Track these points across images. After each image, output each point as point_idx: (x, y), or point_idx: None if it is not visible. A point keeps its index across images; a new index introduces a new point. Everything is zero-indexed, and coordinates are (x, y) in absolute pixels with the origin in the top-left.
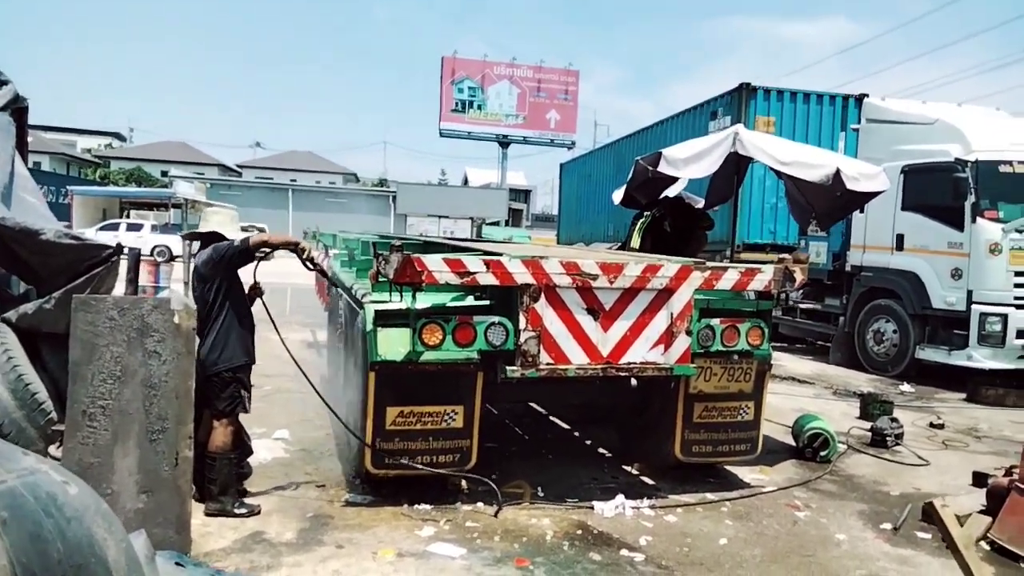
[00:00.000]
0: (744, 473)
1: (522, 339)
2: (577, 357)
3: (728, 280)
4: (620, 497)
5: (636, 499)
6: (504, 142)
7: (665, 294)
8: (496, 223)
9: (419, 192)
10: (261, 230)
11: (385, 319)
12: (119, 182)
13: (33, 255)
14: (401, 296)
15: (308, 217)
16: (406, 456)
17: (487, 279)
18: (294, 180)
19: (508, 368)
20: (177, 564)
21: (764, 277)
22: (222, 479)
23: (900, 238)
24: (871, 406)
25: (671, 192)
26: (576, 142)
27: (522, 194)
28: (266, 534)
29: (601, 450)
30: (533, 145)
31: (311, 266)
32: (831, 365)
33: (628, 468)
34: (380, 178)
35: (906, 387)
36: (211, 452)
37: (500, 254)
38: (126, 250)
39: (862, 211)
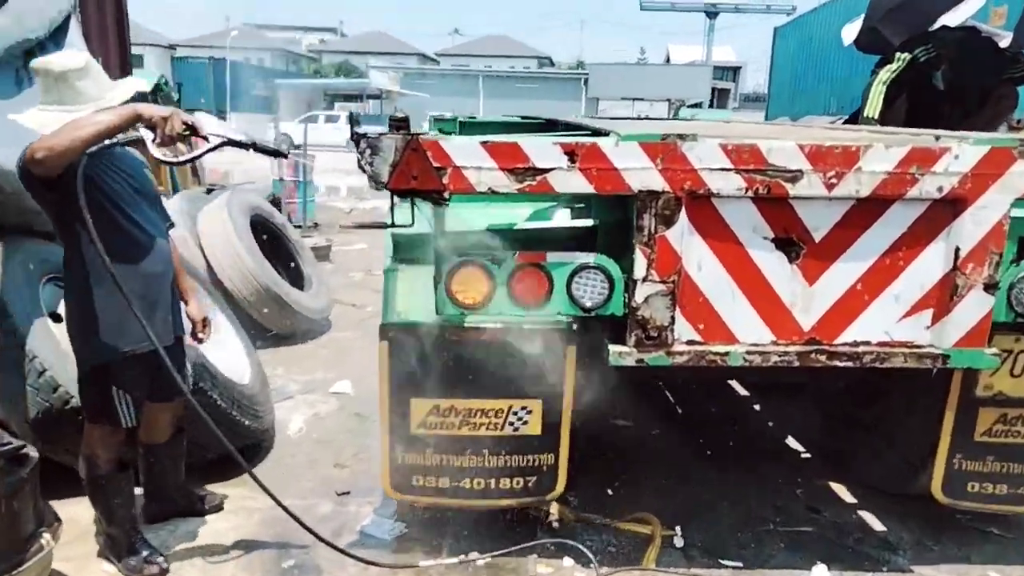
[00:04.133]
0: None
1: (639, 296)
2: (750, 331)
3: None
4: (821, 569)
5: (855, 570)
6: (712, 11)
7: (944, 209)
8: (697, 105)
9: (612, 73)
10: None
11: (411, 252)
12: (329, 76)
13: None
14: (412, 215)
15: (500, 104)
16: (445, 476)
17: (570, 182)
18: (488, 66)
19: (613, 349)
20: None
21: None
22: (100, 503)
23: None
24: None
25: (951, 21)
26: (797, 7)
27: (729, 71)
28: None
29: (794, 444)
30: (746, 13)
31: (186, 146)
32: None
33: (839, 490)
34: (578, 61)
35: None
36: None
37: (606, 133)
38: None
39: None
